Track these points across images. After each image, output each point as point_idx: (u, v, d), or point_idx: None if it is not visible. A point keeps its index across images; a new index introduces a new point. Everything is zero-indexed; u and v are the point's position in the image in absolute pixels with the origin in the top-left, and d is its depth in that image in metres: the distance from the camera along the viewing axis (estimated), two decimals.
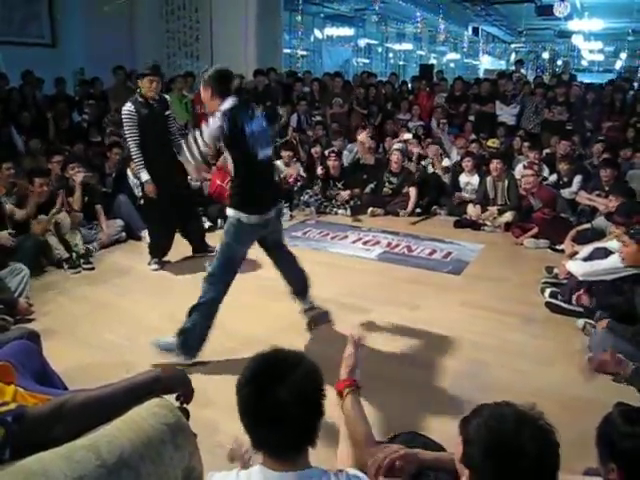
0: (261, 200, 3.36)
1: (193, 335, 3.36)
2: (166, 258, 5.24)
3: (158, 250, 5.20)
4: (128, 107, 4.69)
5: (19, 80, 7.84)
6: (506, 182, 6.47)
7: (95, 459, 1.37)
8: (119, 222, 5.84)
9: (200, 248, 5.46)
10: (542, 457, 1.25)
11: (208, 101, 3.33)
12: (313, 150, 7.70)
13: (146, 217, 5.43)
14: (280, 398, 1.33)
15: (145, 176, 4.79)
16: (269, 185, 3.53)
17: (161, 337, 3.45)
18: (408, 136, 8.17)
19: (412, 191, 7.10)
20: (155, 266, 5.13)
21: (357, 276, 5.01)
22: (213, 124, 3.12)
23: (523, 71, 12.83)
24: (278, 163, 7.29)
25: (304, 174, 7.34)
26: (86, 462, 1.36)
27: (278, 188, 3.91)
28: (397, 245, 5.90)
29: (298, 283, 3.82)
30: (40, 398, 1.74)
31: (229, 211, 3.36)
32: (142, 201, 5.40)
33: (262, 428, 1.36)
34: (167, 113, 4.93)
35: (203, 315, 3.36)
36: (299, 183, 7.23)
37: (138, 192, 6.01)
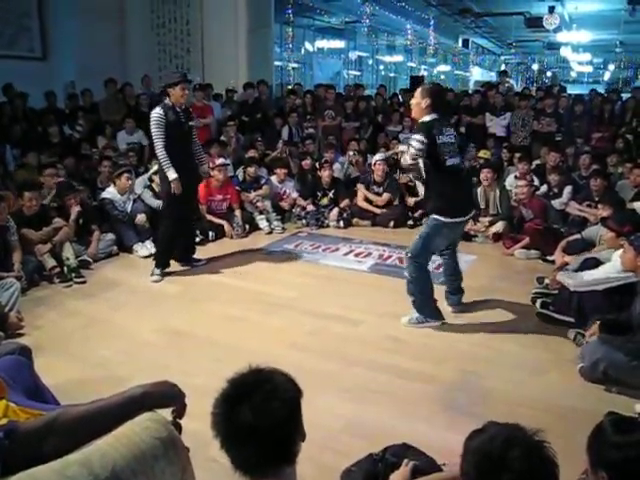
0: (455, 204, 4.00)
1: (425, 303, 4.12)
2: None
3: (167, 258, 5.21)
4: (157, 111, 4.86)
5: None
6: (497, 192, 6.51)
7: (87, 474, 1.37)
8: (110, 236, 5.82)
9: (186, 259, 5.47)
10: (530, 476, 1.29)
11: (420, 109, 3.95)
12: (303, 163, 7.75)
13: (163, 224, 5.28)
14: (242, 418, 1.33)
15: (173, 174, 4.85)
16: (461, 190, 4.18)
17: (407, 316, 4.17)
18: (403, 148, 8.20)
19: (385, 195, 7.23)
20: (157, 277, 5.11)
21: (349, 288, 5.02)
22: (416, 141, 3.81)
23: (512, 81, 12.94)
24: (272, 179, 7.34)
25: (296, 195, 7.35)
26: (79, 477, 1.36)
27: (471, 196, 4.51)
28: (389, 257, 5.92)
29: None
30: (32, 413, 1.73)
31: (431, 215, 4.06)
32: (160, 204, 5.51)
33: (232, 448, 1.37)
34: (191, 123, 5.06)
35: (420, 287, 4.08)
36: (296, 210, 7.24)
37: (128, 207, 6.01)
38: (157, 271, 5.13)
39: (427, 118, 3.92)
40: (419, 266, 4.06)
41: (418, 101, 3.98)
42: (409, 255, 4.08)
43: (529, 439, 1.34)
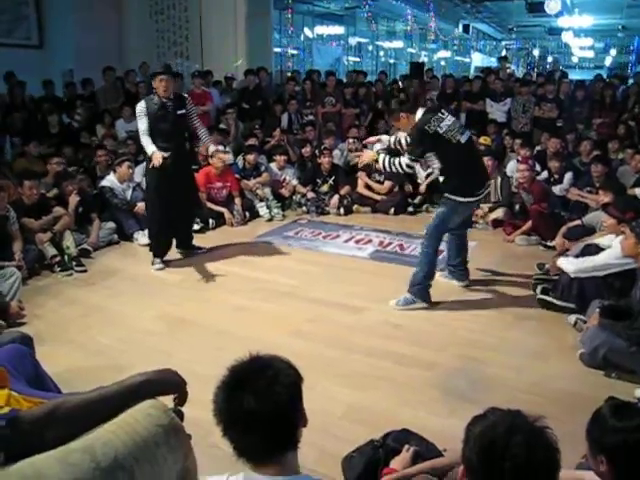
0: (473, 182, 4.13)
1: (421, 280, 4.20)
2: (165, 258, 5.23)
3: (160, 247, 5.20)
4: (140, 104, 4.91)
5: (2, 81, 7.81)
6: (499, 179, 6.50)
7: (90, 461, 1.37)
8: (110, 224, 5.82)
9: (185, 246, 5.48)
10: (532, 462, 1.29)
11: (406, 123, 4.15)
12: (303, 150, 7.73)
13: (148, 212, 5.30)
14: (244, 405, 1.33)
15: (151, 148, 4.75)
16: (477, 165, 4.30)
17: (398, 298, 4.25)
18: (402, 134, 8.15)
19: (386, 183, 7.22)
20: (159, 266, 5.11)
21: (350, 275, 5.02)
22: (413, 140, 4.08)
23: (513, 67, 12.84)
24: (272, 166, 7.32)
25: (296, 182, 7.33)
26: (81, 464, 1.36)
27: (485, 169, 4.60)
28: (389, 244, 5.92)
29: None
30: (34, 402, 1.74)
31: (447, 195, 4.13)
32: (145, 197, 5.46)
33: (235, 435, 1.37)
34: (181, 112, 4.98)
35: (425, 264, 4.19)
36: (296, 197, 7.25)
37: (128, 195, 6.02)
38: (157, 260, 5.12)
39: (417, 117, 4.05)
40: (433, 243, 4.20)
41: (400, 123, 4.25)
42: (426, 232, 4.22)
43: (531, 425, 1.35)
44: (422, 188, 7.23)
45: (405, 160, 4.08)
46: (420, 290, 4.24)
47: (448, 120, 4.00)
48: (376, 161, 4.39)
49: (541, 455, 1.30)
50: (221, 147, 6.61)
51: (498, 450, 1.30)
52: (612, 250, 3.85)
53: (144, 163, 6.56)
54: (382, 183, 7.24)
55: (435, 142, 3.99)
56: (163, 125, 4.85)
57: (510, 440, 1.30)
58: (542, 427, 1.35)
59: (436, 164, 4.17)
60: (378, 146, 7.31)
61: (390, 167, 4.20)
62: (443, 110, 4.14)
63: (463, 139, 4.03)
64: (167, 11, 10.20)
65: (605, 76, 12.19)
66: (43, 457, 1.39)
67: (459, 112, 9.20)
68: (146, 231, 5.79)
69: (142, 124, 4.83)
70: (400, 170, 4.21)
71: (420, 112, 4.08)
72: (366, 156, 4.58)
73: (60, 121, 7.62)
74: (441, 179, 4.23)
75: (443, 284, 4.71)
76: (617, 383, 3.24)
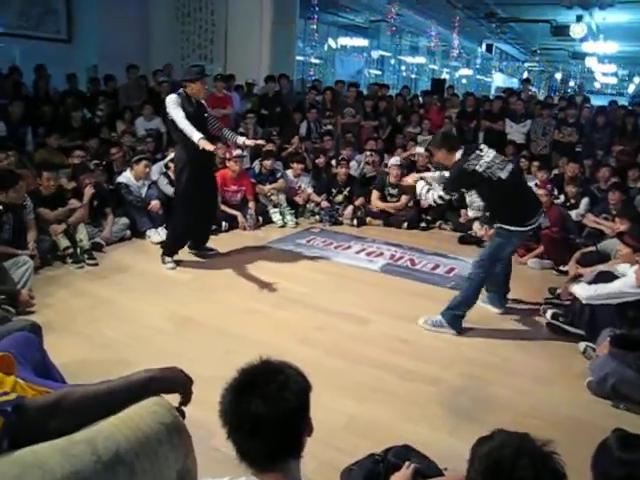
0: (524, 211, 4.08)
1: (458, 307, 4.11)
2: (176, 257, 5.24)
3: (179, 246, 5.23)
4: (172, 96, 4.81)
5: (32, 74, 7.88)
6: None
7: (91, 454, 1.37)
8: (124, 220, 5.85)
9: (199, 247, 5.49)
10: None
11: (445, 159, 4.13)
12: (317, 160, 7.74)
13: (177, 209, 5.20)
14: (252, 408, 1.33)
15: (197, 134, 4.59)
16: (525, 195, 4.23)
17: (430, 317, 4.16)
18: (420, 150, 8.12)
19: (403, 198, 7.19)
20: (171, 265, 5.11)
21: (359, 287, 5.01)
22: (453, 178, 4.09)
23: (535, 89, 12.80)
24: (288, 173, 7.34)
25: (311, 190, 7.35)
26: (82, 456, 1.36)
27: (536, 197, 4.55)
28: (400, 257, 5.90)
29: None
30: (39, 390, 1.74)
31: (500, 225, 4.12)
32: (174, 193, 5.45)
33: (240, 438, 1.36)
34: (206, 115, 5.03)
35: (468, 291, 4.13)
36: (310, 206, 7.28)
37: (143, 192, 6.05)
38: (169, 259, 5.13)
39: (456, 157, 4.04)
40: (482, 272, 4.13)
41: (439, 156, 4.20)
42: (478, 259, 4.18)
43: (539, 449, 1.33)
44: (425, 204, 7.21)
45: (439, 192, 4.11)
46: (453, 317, 4.11)
47: (487, 157, 3.94)
48: (416, 181, 4.44)
49: (549, 475, 1.28)
50: (238, 151, 6.64)
51: (504, 472, 1.28)
52: (627, 279, 3.81)
53: (162, 161, 6.62)
54: (397, 197, 7.22)
55: (474, 180, 3.99)
56: (194, 124, 4.72)
57: (517, 462, 1.28)
58: (550, 452, 1.33)
59: (477, 202, 4.20)
60: (393, 161, 7.34)
61: (425, 196, 4.27)
62: (482, 147, 4.08)
63: (504, 174, 3.91)
64: (193, 14, 10.30)
65: (627, 104, 12.12)
66: (46, 446, 1.39)
67: (478, 131, 9.20)
68: (159, 229, 5.83)
69: (179, 112, 4.69)
70: (432, 202, 4.25)
71: (459, 153, 4.05)
72: (410, 178, 4.63)
73: (82, 116, 7.68)
74: (488, 214, 4.21)
75: (450, 299, 4.69)
76: (625, 414, 3.20)
